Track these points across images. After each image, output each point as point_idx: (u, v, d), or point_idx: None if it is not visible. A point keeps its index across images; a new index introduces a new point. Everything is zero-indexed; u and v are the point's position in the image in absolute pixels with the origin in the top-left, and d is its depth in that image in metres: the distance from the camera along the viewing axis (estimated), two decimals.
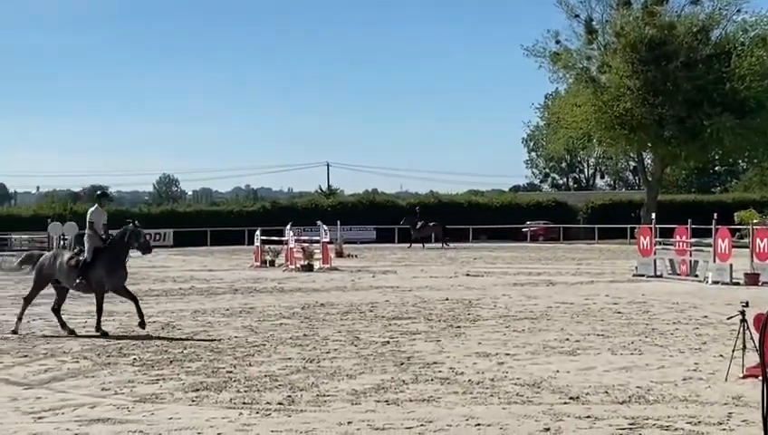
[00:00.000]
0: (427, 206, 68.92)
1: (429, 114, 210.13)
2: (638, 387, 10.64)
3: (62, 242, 43.21)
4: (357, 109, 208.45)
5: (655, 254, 29.29)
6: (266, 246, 38.17)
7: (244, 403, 9.92)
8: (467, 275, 30.74)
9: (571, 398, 10.03)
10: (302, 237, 38.65)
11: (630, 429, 8.62)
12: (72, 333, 15.90)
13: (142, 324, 15.94)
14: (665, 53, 57.82)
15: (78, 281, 16.00)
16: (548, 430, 8.59)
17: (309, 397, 10.22)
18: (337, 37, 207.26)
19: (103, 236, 16.32)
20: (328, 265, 33.91)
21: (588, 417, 9.08)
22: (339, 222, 49.92)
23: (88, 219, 16.43)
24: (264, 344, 14.49)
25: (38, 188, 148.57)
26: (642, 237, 30.23)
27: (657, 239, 29.84)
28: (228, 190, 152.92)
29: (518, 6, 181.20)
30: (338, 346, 14.20)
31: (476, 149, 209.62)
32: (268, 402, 9.94)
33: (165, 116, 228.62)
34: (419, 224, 55.09)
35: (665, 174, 71.12)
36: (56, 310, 16.55)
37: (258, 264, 36.52)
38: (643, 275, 28.73)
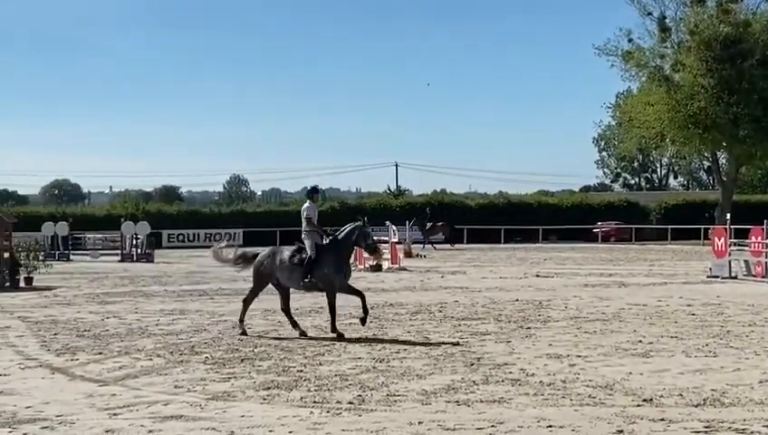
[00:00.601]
0: (497, 206, 68.73)
1: (498, 114, 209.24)
2: (712, 390, 10.49)
3: (134, 241, 43.91)
4: (426, 109, 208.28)
5: (730, 255, 28.82)
6: None
7: (314, 402, 10.00)
8: (537, 275, 30.56)
9: (644, 400, 9.93)
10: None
11: (706, 432, 8.51)
12: (303, 334, 15.33)
13: (363, 320, 15.47)
14: (740, 51, 56.85)
15: (307, 280, 15.34)
16: (621, 432, 8.52)
17: (379, 396, 10.26)
18: (407, 35, 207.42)
19: (321, 232, 15.69)
20: (397, 266, 33.95)
21: (662, 420, 8.97)
22: (407, 222, 49.97)
23: (305, 216, 15.76)
24: (334, 344, 14.56)
25: (111, 188, 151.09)
26: (716, 238, 29.76)
27: (732, 240, 29.37)
28: (297, 190, 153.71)
29: (587, 4, 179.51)
30: (407, 346, 14.22)
31: (546, 148, 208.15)
32: (338, 402, 10.00)
33: (235, 117, 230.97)
34: (429, 225, 54.65)
35: (739, 174, 69.93)
36: (285, 310, 15.88)
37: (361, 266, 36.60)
38: (717, 277, 28.29)
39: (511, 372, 11.74)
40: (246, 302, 16.25)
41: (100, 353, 13.85)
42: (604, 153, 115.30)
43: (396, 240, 36.04)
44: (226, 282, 28.10)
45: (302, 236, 15.86)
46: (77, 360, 13.24)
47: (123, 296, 23.60)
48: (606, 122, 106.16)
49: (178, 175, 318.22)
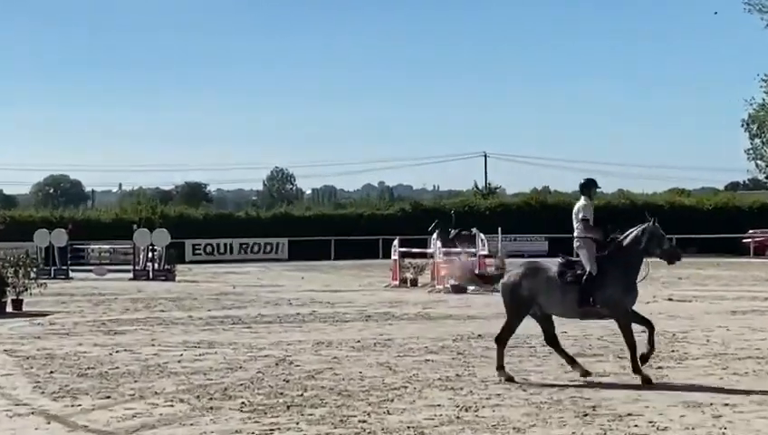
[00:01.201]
0: (617, 208, 68.10)
1: (617, 94, 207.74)
2: None
3: (150, 254, 44.30)
4: (523, 89, 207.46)
5: None
6: (406, 260, 38.35)
7: None
8: (670, 299, 30.27)
9: None
10: (454, 249, 38.68)
11: None
12: (586, 374, 14.97)
13: (645, 358, 14.90)
14: None
15: (588, 304, 14.85)
16: None
17: None
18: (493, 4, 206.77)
19: (599, 239, 15.10)
20: (490, 286, 33.80)
21: None
22: (500, 229, 49.74)
23: (580, 217, 15.35)
24: (406, 387, 14.56)
25: (120, 185, 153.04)
26: None
27: None
28: (357, 189, 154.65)
29: None
30: (501, 390, 14.16)
31: (680, 136, 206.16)
32: None
33: (278, 100, 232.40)
34: (453, 232, 52.55)
35: None
36: (553, 342, 15.59)
37: (396, 283, 36.70)
38: None
39: (636, 426, 11.64)
40: (502, 340, 15.40)
41: (108, 397, 13.99)
42: (757, 140, 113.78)
43: (485, 252, 35.90)
44: (267, 306, 28.27)
45: (576, 244, 15.40)
46: (79, 406, 13.39)
47: (136, 324, 23.86)
48: (760, 100, 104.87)
49: (205, 169, 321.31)
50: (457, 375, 15.65)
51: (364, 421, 12.06)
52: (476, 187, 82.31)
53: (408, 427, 11.67)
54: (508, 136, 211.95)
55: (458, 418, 12.19)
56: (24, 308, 28.12)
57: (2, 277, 28.28)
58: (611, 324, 21.45)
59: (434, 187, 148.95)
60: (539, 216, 66.92)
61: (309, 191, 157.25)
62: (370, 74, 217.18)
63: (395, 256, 38.14)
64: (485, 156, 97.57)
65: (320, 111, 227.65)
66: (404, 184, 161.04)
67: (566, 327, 22.35)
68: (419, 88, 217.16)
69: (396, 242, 38.91)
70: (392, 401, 13.45)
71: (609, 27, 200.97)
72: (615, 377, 15.36)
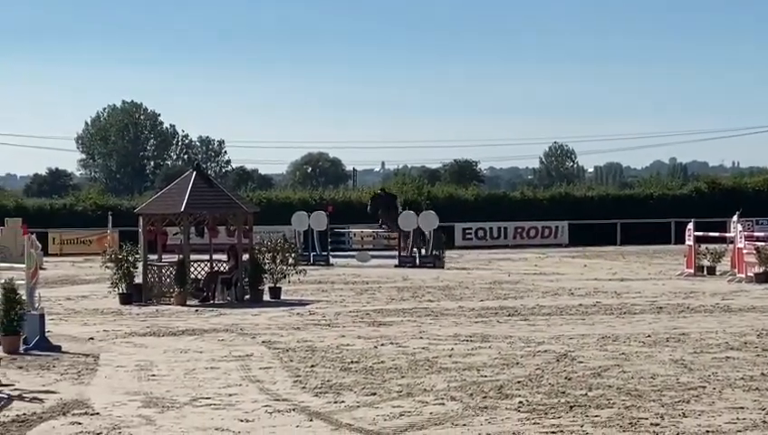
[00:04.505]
0: None
1: None
2: None
3: (417, 238, 44.69)
4: None
5: None
6: (702, 246, 37.68)
7: None
8: None
9: None
10: (757, 234, 37.77)
11: None
12: None
13: None
14: None
15: None
16: None
17: None
18: None
19: None
20: None
21: None
22: None
23: None
24: (704, 387, 14.37)
25: (383, 164, 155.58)
26: None
27: None
28: (645, 166, 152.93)
29: None
30: None
31: None
32: None
33: (552, 68, 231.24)
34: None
35: None
36: None
37: (691, 271, 36.13)
38: None
39: None
40: None
41: (374, 394, 14.29)
42: None
43: None
44: (546, 296, 28.22)
45: None
46: (342, 402, 13.74)
47: (402, 315, 24.19)
48: None
49: (475, 144, 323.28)
50: (762, 374, 15.35)
51: (656, 424, 11.96)
52: None
53: (707, 431, 11.53)
54: None
55: (765, 422, 11.95)
56: (282, 297, 28.84)
57: (258, 264, 28.98)
58: None
59: (733, 163, 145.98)
60: None
61: (591, 169, 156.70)
62: (661, 39, 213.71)
63: (689, 241, 37.52)
64: None
65: (601, 80, 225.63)
66: (698, 160, 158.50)
67: None
68: (720, 54, 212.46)
69: (690, 225, 38.25)
70: (688, 402, 13.30)
71: None
72: None
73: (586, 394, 13.95)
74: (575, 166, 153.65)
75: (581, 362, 16.67)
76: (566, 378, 15.28)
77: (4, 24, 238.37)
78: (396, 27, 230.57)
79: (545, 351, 18.09)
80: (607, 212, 63.01)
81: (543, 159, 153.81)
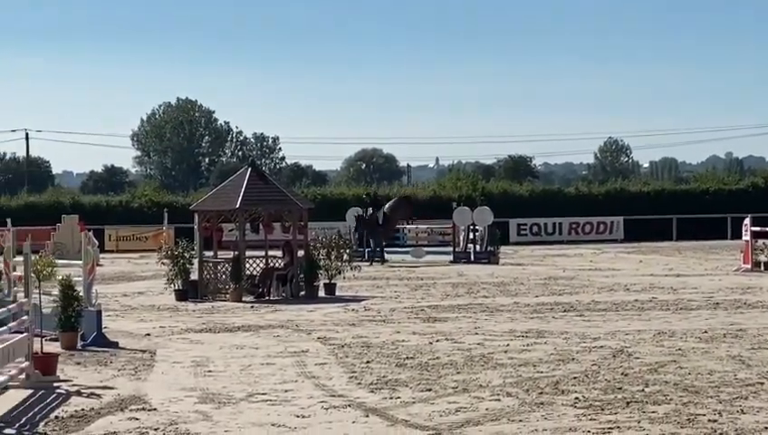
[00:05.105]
0: None
1: None
2: None
3: (471, 234, 44.71)
4: None
5: None
6: (759, 241, 37.42)
7: None
8: None
9: None
10: None
11: None
12: None
13: None
14: None
15: None
16: None
17: None
18: None
19: None
20: None
21: None
22: None
23: None
24: (762, 383, 14.29)
25: (437, 160, 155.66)
26: None
27: None
28: (701, 161, 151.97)
29: None
30: None
31: None
32: None
33: (607, 64, 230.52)
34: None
35: None
36: None
37: (749, 266, 35.90)
38: None
39: None
40: None
41: (429, 390, 14.31)
42: None
43: None
44: (601, 292, 28.14)
45: None
46: (398, 398, 13.76)
47: (458, 311, 24.18)
48: None
49: (531, 140, 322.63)
50: None
51: (714, 421, 11.91)
52: None
53: (766, 428, 11.47)
54: None
55: None
56: (337, 293, 28.93)
57: (313, 260, 29.12)
58: None
59: None
60: None
61: (646, 164, 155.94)
62: (713, 36, 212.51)
63: (746, 237, 37.27)
64: None
65: (654, 74, 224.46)
66: (755, 155, 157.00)
67: None
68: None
69: (747, 220, 38.00)
70: (746, 398, 13.22)
71: None
72: None
73: (642, 390, 13.90)
74: (630, 161, 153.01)
75: (638, 358, 16.61)
76: (622, 374, 15.23)
77: (64, 24, 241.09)
78: (454, 25, 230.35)
79: (601, 347, 18.04)
80: (662, 207, 62.69)
81: (598, 155, 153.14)
